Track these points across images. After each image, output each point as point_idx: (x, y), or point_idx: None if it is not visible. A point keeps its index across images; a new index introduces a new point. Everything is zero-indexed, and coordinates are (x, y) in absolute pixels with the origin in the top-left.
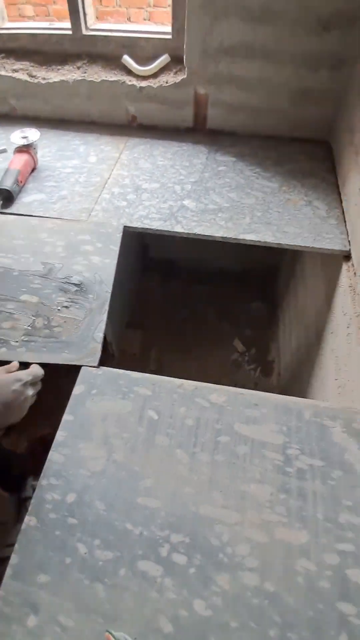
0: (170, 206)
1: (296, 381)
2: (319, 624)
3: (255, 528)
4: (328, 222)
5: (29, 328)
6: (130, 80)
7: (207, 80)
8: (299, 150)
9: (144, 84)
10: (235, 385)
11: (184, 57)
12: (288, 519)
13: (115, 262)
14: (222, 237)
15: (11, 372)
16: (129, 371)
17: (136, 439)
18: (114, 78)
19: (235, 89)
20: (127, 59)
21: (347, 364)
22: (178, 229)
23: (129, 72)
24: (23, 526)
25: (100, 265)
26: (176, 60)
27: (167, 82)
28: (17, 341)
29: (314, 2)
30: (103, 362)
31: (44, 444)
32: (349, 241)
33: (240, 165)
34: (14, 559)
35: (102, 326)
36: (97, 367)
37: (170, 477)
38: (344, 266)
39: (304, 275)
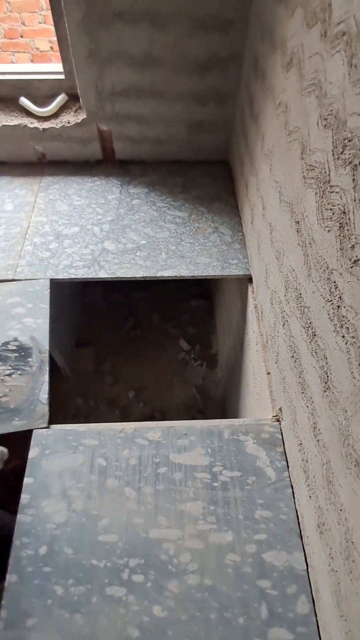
0: (92, 250)
1: (233, 376)
2: (246, 600)
3: (193, 538)
4: (233, 247)
5: None
6: (32, 123)
7: (107, 118)
8: (203, 173)
9: (46, 125)
10: (185, 383)
11: (80, 100)
12: (217, 525)
13: (47, 320)
14: (142, 277)
15: None
16: (76, 425)
17: (90, 486)
18: (14, 122)
19: (136, 124)
20: (24, 101)
21: (258, 376)
22: (102, 274)
23: (29, 113)
24: (7, 584)
25: (34, 326)
26: (74, 98)
27: (69, 122)
28: None
29: (190, 48)
30: (58, 386)
31: (16, 475)
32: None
33: (152, 196)
34: (3, 613)
35: (46, 387)
36: (48, 427)
37: (123, 512)
38: (249, 287)
39: (227, 281)
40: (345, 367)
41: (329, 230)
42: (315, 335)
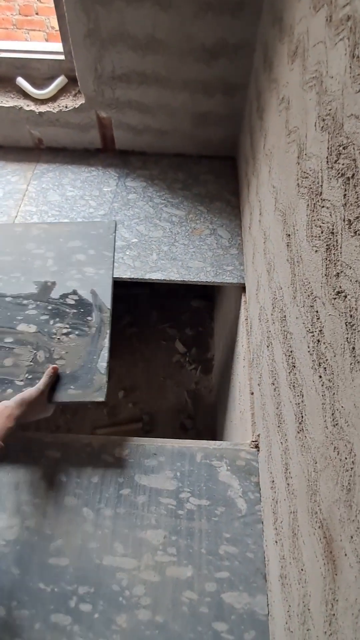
0: None
1: (223, 386)
2: None
3: (150, 570)
4: (230, 252)
5: (32, 364)
6: (28, 105)
7: (107, 104)
8: (206, 169)
9: (43, 109)
10: (178, 386)
11: (79, 83)
12: (177, 558)
13: (110, 272)
14: (129, 278)
15: None
16: (41, 434)
17: (47, 503)
18: (10, 103)
19: (137, 113)
20: (21, 82)
21: (243, 394)
22: None
23: (26, 94)
24: None
25: (95, 278)
26: (74, 81)
27: (66, 107)
28: (21, 380)
29: (196, 32)
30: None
31: None
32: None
33: (150, 191)
34: None
35: (105, 354)
36: (105, 401)
37: (78, 535)
38: (243, 297)
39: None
40: (320, 412)
41: (316, 251)
42: (294, 366)
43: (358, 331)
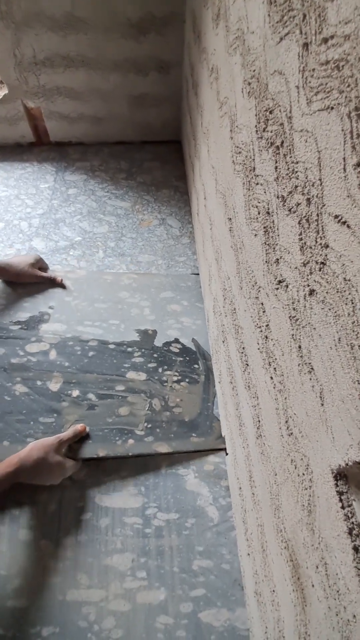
0: (17, 250)
1: None
2: None
3: (119, 599)
4: (181, 242)
5: (149, 412)
6: None
7: (33, 93)
8: (151, 156)
9: None
10: None
11: None
12: (148, 581)
13: (206, 322)
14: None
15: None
16: None
17: None
18: None
19: (68, 100)
20: None
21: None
22: None
23: None
24: None
25: (193, 327)
26: None
27: None
28: (141, 430)
29: (120, 7)
30: None
31: None
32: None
33: (91, 184)
34: None
35: (218, 401)
36: (225, 449)
37: (37, 571)
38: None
39: None
40: (274, 418)
41: (255, 235)
42: (248, 365)
43: (303, 327)
